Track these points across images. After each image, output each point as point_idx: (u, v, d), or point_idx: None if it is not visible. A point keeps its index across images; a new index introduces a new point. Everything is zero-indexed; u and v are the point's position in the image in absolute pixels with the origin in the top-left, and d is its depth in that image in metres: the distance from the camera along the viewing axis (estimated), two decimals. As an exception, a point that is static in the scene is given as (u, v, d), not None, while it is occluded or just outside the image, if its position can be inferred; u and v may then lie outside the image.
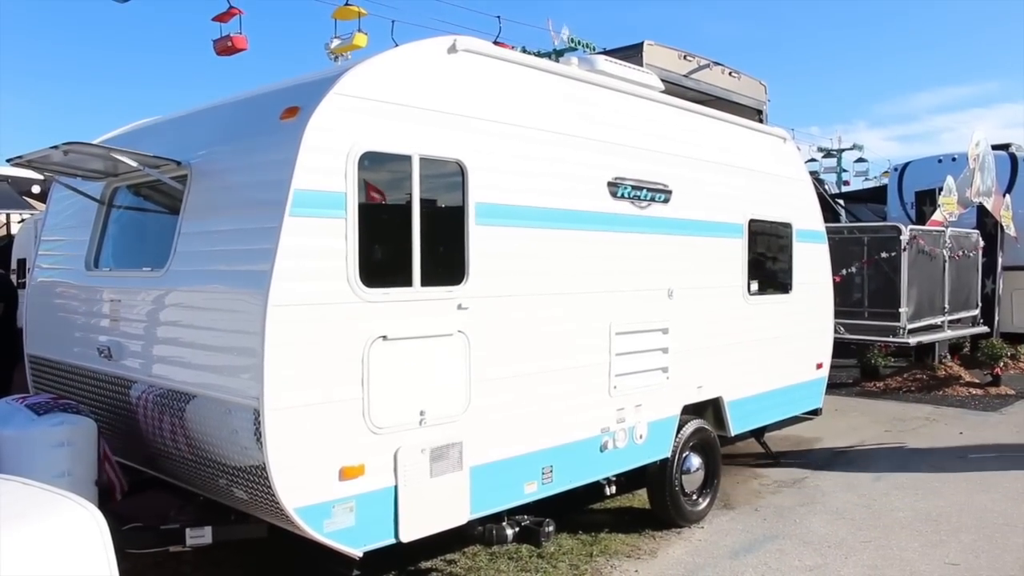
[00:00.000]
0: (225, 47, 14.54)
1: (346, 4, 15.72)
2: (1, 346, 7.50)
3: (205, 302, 4.61)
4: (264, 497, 4.32)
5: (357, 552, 4.47)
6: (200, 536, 4.93)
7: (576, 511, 6.77)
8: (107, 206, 5.80)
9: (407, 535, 4.68)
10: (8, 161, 5.42)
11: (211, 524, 4.93)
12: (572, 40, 20.83)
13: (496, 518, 5.24)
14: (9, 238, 15.75)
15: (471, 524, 5.09)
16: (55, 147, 4.86)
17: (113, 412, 5.36)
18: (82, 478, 4.76)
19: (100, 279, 5.65)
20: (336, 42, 18.13)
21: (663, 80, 7.10)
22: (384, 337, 4.50)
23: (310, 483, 4.26)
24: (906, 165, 19.45)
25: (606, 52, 9.60)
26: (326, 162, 4.29)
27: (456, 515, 4.94)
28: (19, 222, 17.99)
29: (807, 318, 8.16)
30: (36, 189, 18.64)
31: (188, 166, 4.94)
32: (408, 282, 4.63)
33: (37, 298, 6.47)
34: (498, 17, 14.32)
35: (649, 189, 6.19)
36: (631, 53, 9.79)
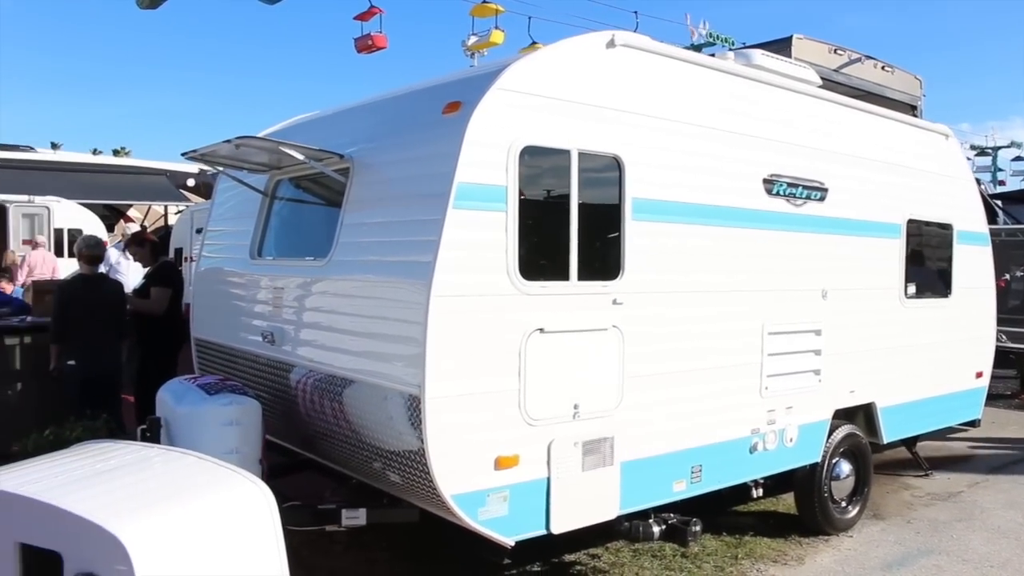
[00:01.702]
0: (365, 45, 14.95)
1: (483, 2, 15.90)
2: (169, 329, 7.88)
3: (366, 291, 4.74)
4: (420, 483, 4.42)
5: (509, 541, 4.52)
6: (355, 518, 5.08)
7: (720, 512, 6.66)
8: (270, 198, 6.04)
9: (558, 527, 4.70)
10: (183, 155, 5.71)
11: (365, 507, 5.08)
12: (711, 35, 20.44)
13: (642, 515, 5.21)
14: (168, 229, 16.60)
15: (618, 519, 5.07)
16: (227, 141, 5.10)
17: (272, 394, 5.57)
18: (248, 456, 4.95)
19: (264, 267, 5.90)
20: (473, 39, 18.34)
21: (815, 75, 6.89)
22: (541, 330, 4.53)
23: (466, 471, 4.33)
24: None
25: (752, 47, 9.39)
26: (488, 156, 4.34)
27: (605, 510, 4.93)
28: (176, 213, 18.99)
29: (967, 324, 7.79)
30: (191, 183, 19.67)
31: (350, 159, 5.08)
32: (565, 276, 4.65)
33: (203, 284, 6.80)
34: (635, 12, 14.21)
35: (805, 187, 6.02)
36: (780, 47, 9.52)
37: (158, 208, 20.55)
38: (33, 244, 14.61)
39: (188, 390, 5.15)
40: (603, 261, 4.87)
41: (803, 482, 6.41)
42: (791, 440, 6.01)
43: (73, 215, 16.66)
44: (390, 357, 4.47)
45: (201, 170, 20.43)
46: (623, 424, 4.93)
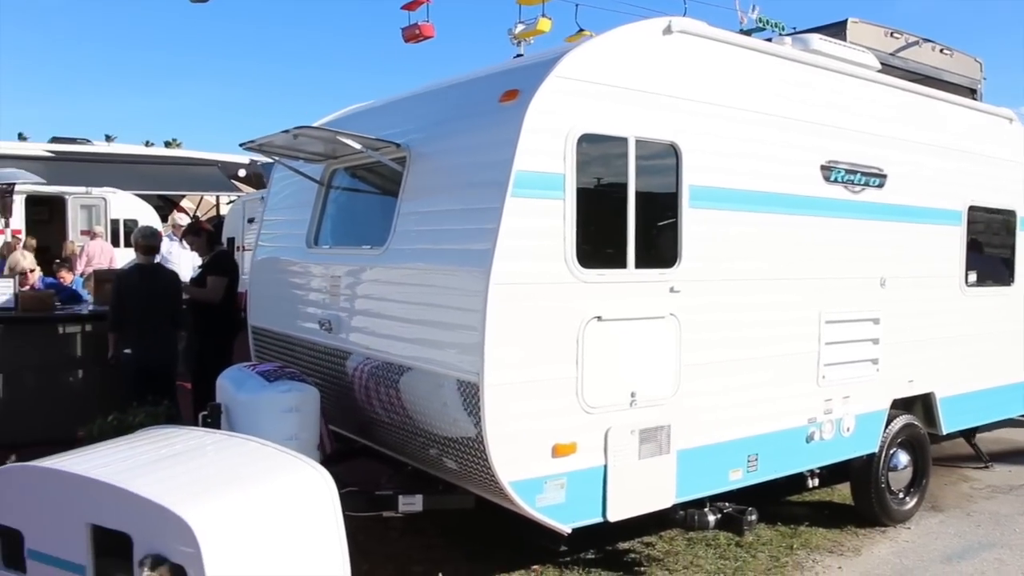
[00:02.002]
0: (413, 34, 14.97)
1: (530, -11, 15.80)
2: (225, 317, 8.00)
3: (424, 279, 4.77)
4: (477, 469, 4.45)
5: (566, 529, 4.54)
6: (411, 504, 5.13)
7: (773, 502, 6.61)
8: (326, 187, 6.10)
9: (614, 515, 4.70)
10: (241, 145, 5.78)
11: (421, 493, 5.13)
12: (761, 20, 20.17)
13: (698, 504, 5.19)
14: (220, 219, 16.83)
15: (673, 508, 5.06)
16: (285, 131, 5.15)
17: (329, 381, 5.64)
18: (307, 443, 5.01)
19: (320, 256, 5.96)
20: (520, 27, 18.31)
21: (871, 59, 6.77)
22: (599, 318, 4.53)
23: (524, 458, 4.35)
24: None
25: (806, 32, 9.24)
26: (546, 144, 4.34)
27: (662, 498, 4.92)
28: (227, 204, 19.23)
29: (1029, 313, 7.62)
30: (242, 173, 19.88)
31: (407, 148, 5.11)
32: (623, 264, 4.64)
33: (259, 273, 6.90)
34: (683, -2, 14.03)
35: (863, 173, 5.94)
36: (835, 31, 9.36)
37: (210, 198, 20.83)
38: (91, 235, 14.89)
39: (248, 377, 5.23)
40: (660, 249, 4.86)
41: (860, 472, 6.33)
42: (848, 430, 5.94)
43: (129, 206, 16.96)
44: (448, 345, 4.50)
45: (252, 161, 20.65)
46: (680, 412, 4.92)
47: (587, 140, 4.49)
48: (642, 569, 5.57)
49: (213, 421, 5.15)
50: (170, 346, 7.30)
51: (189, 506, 3.49)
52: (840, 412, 5.86)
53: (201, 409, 6.12)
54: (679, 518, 5.19)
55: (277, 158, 6.13)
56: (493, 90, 4.63)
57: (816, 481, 6.04)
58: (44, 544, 3.86)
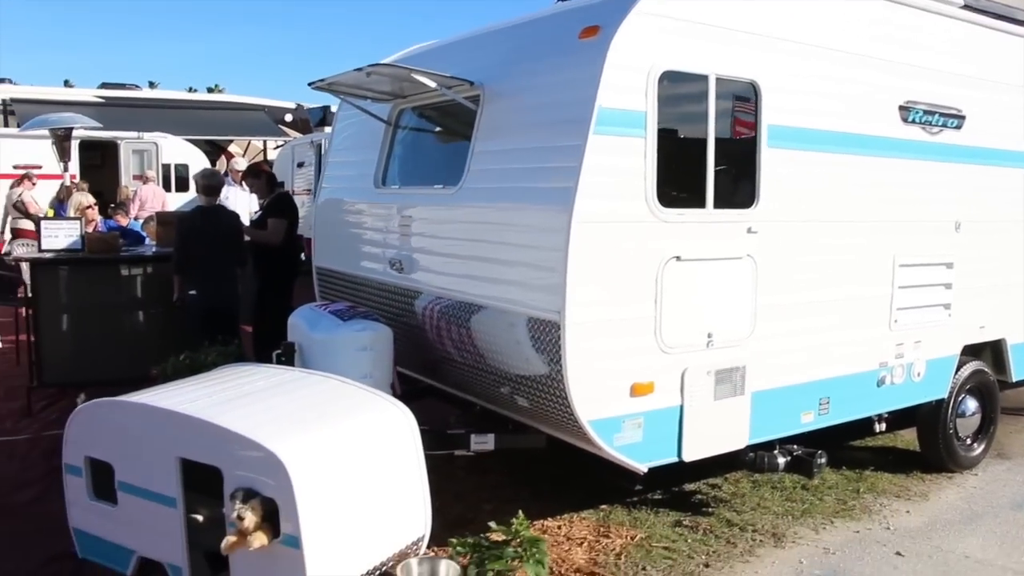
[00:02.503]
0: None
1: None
2: (285, 259, 8.07)
3: (500, 218, 4.75)
4: (553, 408, 4.47)
5: (643, 468, 4.56)
6: (483, 443, 5.18)
7: (837, 447, 6.58)
8: (393, 127, 6.08)
9: (689, 455, 4.72)
10: (309, 84, 5.76)
11: (493, 432, 5.18)
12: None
13: (767, 446, 5.19)
14: (268, 163, 16.91)
15: (743, 450, 5.07)
16: (358, 69, 5.13)
17: (397, 321, 5.66)
18: (380, 381, 5.07)
19: (389, 196, 5.96)
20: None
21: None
22: (678, 258, 4.50)
23: (603, 397, 4.36)
24: None
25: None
26: (628, 80, 4.28)
27: (735, 439, 4.93)
28: (275, 148, 19.33)
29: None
30: (288, 118, 19.96)
31: (480, 86, 5.06)
32: (702, 204, 4.60)
33: (325, 214, 6.92)
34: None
35: (941, 114, 5.79)
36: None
37: (257, 143, 20.95)
38: (143, 179, 15.05)
39: (321, 316, 5.29)
40: (738, 189, 4.80)
41: (928, 418, 6.27)
42: (918, 375, 5.88)
43: (179, 151, 17.10)
44: (526, 283, 4.49)
45: (298, 105, 20.72)
46: (755, 354, 4.89)
47: (668, 77, 4.41)
48: (709, 510, 5.60)
49: (287, 360, 5.22)
50: (233, 287, 7.37)
51: (280, 441, 3.55)
52: (911, 357, 5.80)
53: (262, 351, 6.22)
54: (748, 460, 5.19)
55: (344, 97, 6.11)
56: (572, 26, 4.56)
57: (883, 426, 6.01)
58: (134, 476, 3.96)
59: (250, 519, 3.43)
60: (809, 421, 5.29)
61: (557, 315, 4.19)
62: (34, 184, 13.31)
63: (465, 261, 5.06)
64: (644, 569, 4.78)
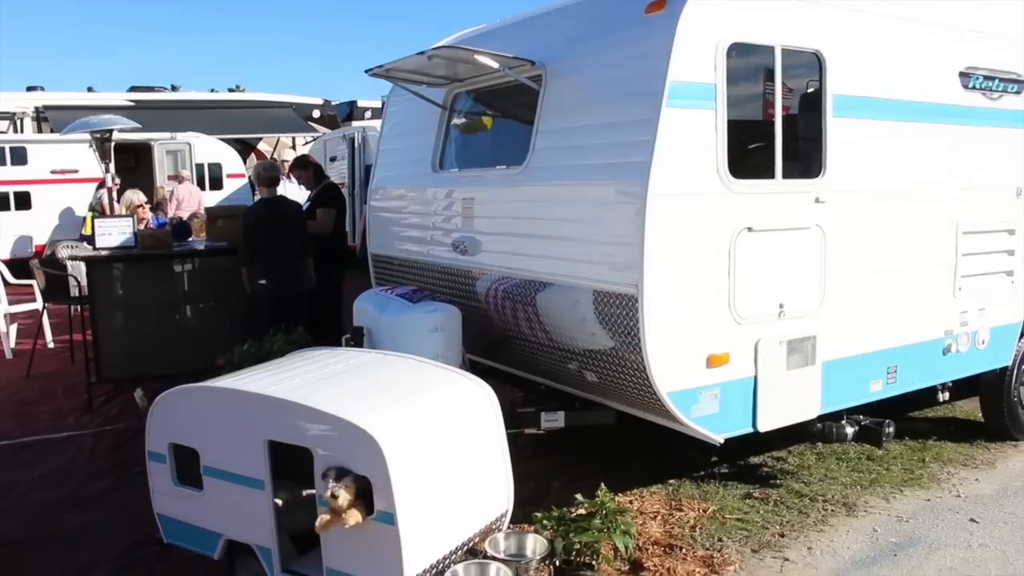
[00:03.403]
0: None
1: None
2: (334, 248, 8.12)
3: (569, 195, 4.78)
4: (630, 382, 4.50)
5: (719, 438, 4.59)
6: (554, 420, 5.23)
7: (896, 418, 6.55)
8: (449, 111, 6.11)
9: (764, 425, 4.74)
10: (366, 72, 5.79)
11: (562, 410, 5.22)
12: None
13: (834, 416, 5.20)
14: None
15: (811, 421, 5.08)
16: (420, 53, 5.17)
17: (459, 304, 5.68)
18: (451, 361, 5.09)
19: (448, 180, 6.00)
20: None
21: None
22: (749, 228, 4.52)
23: (681, 369, 4.39)
24: None
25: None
26: (697, 53, 4.29)
27: (808, 409, 4.94)
28: (304, 144, 19.43)
29: None
30: (316, 114, 20.08)
31: (542, 66, 5.09)
32: (771, 174, 4.61)
33: (379, 201, 6.96)
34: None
35: (1001, 79, 5.75)
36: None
37: (286, 140, 21.06)
38: (179, 179, 15.17)
39: (388, 300, 5.33)
40: (806, 160, 4.81)
41: (991, 386, 6.25)
42: (983, 342, 5.86)
43: (212, 149, 17.22)
44: (599, 259, 4.52)
45: (325, 101, 20.80)
46: (825, 323, 4.90)
47: (735, 50, 4.42)
48: (777, 482, 5.61)
49: (357, 344, 5.27)
50: (300, 274, 7.42)
51: (371, 418, 3.58)
52: (975, 324, 5.78)
53: (316, 338, 6.24)
54: (817, 431, 5.20)
55: (400, 83, 6.14)
56: (637, 2, 4.57)
57: (946, 395, 5.99)
58: (220, 461, 4.00)
59: (344, 497, 3.46)
60: (878, 390, 5.29)
61: (635, 289, 4.22)
62: (112, 189, 13.35)
63: (533, 240, 5.09)
64: (720, 540, 4.80)
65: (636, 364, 4.36)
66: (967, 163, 5.60)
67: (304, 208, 8.30)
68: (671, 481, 5.61)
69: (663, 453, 5.62)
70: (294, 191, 9.52)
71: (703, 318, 4.43)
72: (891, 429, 5.29)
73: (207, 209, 9.45)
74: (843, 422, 5.22)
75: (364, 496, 3.52)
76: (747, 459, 5.94)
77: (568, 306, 4.76)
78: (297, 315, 6.84)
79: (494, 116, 6.04)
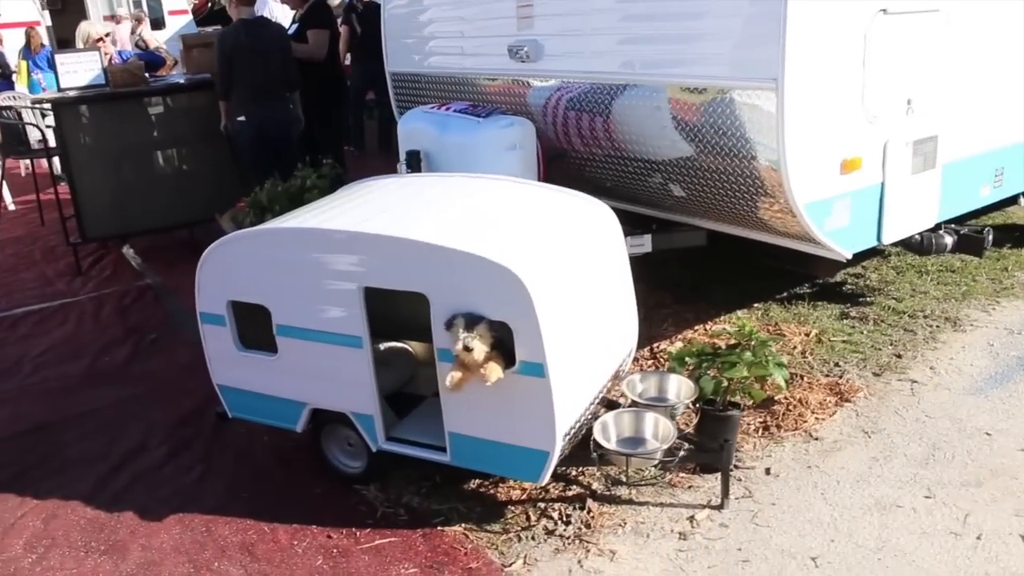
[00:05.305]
0: None
1: None
2: (330, 76, 7.29)
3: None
4: (745, 195, 3.98)
5: (847, 254, 4.14)
6: (640, 245, 4.73)
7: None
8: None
9: (888, 237, 4.32)
10: None
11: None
12: None
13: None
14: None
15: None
16: None
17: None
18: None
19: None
20: None
21: None
22: (884, 11, 3.91)
23: (816, 177, 3.88)
24: None
25: None
26: None
27: (926, 217, 4.52)
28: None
29: None
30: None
31: None
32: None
33: (400, 8, 6.02)
34: None
35: None
36: None
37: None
38: (116, 19, 13.78)
39: (448, 117, 4.64)
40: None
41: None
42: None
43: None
44: (723, 52, 3.89)
45: None
46: (946, 121, 4.40)
47: None
48: (867, 299, 5.23)
49: (414, 169, 4.63)
50: (286, 108, 6.59)
51: (506, 253, 2.96)
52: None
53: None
54: (915, 242, 4.77)
55: None
56: None
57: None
58: (300, 318, 3.36)
59: (480, 349, 2.89)
60: (987, 195, 4.89)
61: (773, 84, 3.62)
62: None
63: (629, 38, 4.38)
64: (837, 365, 4.42)
65: (759, 174, 3.82)
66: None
67: (294, 31, 7.38)
68: (756, 305, 5.19)
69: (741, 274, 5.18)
70: (281, 14, 8.52)
71: (837, 116, 3.88)
72: (991, 236, 4.90)
73: (182, 36, 8.41)
74: (941, 231, 4.81)
75: (499, 346, 2.94)
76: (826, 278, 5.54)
77: (693, 108, 4.09)
78: (287, 158, 6.08)
79: None
